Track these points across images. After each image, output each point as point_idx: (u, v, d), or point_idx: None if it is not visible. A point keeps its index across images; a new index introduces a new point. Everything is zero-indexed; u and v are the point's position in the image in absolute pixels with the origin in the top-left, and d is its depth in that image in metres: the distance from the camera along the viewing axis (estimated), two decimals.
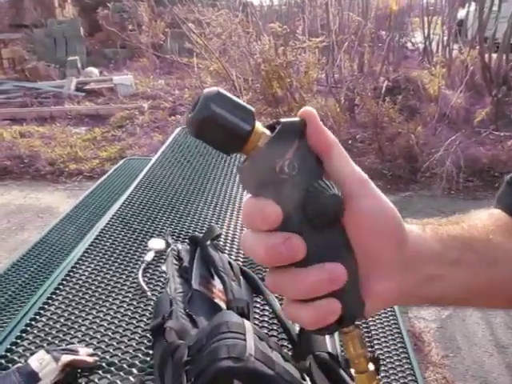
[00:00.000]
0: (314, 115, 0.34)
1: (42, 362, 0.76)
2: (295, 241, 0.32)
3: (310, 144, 0.34)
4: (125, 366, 0.81)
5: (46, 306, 0.97)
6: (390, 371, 1.09)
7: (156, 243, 1.18)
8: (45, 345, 0.86)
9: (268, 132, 0.33)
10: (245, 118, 0.32)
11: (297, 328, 0.79)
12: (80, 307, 0.97)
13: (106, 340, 0.87)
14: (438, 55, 5.99)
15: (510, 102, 4.94)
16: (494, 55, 5.13)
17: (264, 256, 0.32)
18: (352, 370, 0.36)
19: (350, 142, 4.60)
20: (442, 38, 6.21)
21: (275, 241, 0.32)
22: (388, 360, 1.12)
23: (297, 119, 0.34)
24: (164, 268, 0.99)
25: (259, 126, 0.33)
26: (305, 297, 0.33)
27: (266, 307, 0.95)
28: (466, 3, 6.44)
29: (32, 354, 0.80)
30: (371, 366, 0.36)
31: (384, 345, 1.17)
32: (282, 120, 0.34)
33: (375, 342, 1.18)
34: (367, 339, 1.18)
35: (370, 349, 1.15)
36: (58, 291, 1.03)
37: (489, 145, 4.34)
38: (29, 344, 0.87)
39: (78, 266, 1.13)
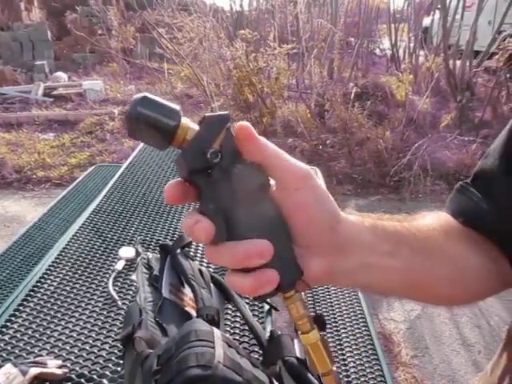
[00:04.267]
0: (249, 129, 0.37)
1: (8, 375, 0.75)
2: (203, 224, 0.36)
3: (244, 152, 0.37)
4: (95, 376, 0.81)
5: (12, 318, 0.96)
6: (360, 373, 1.12)
7: (126, 252, 1.17)
8: (12, 358, 0.84)
9: (197, 127, 0.37)
10: (170, 116, 0.36)
11: (267, 334, 0.80)
12: (49, 318, 0.96)
13: (76, 351, 0.87)
14: (405, 62, 6.13)
15: (473, 108, 5.10)
16: (458, 62, 5.30)
17: (189, 234, 0.37)
18: (299, 333, 0.40)
19: (320, 147, 4.66)
20: (409, 44, 6.37)
21: (188, 221, 0.36)
22: (358, 362, 1.14)
23: (222, 113, 0.38)
24: (134, 277, 0.99)
25: (188, 122, 0.37)
26: (238, 267, 0.37)
27: (238, 314, 0.96)
28: (431, 11, 6.62)
29: None
30: (315, 326, 0.40)
31: (354, 347, 1.20)
32: (207, 114, 0.37)
33: (345, 344, 1.20)
34: (337, 342, 1.21)
35: (340, 351, 1.17)
36: (25, 302, 1.01)
37: (454, 149, 4.47)
38: None
39: (46, 275, 1.11)
